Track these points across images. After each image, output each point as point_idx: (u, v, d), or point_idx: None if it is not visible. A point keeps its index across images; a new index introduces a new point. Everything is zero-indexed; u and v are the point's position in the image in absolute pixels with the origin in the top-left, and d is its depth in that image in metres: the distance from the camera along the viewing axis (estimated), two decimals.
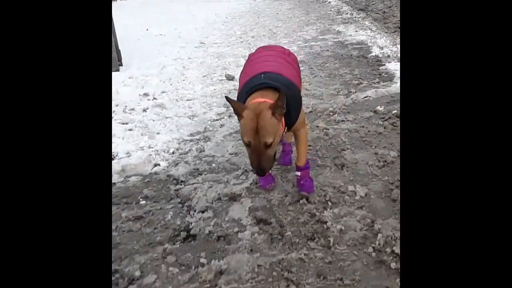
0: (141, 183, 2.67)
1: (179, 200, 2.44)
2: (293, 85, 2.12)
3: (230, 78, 4.98)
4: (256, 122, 1.83)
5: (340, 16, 10.06)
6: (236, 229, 2.12)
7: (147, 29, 9.13)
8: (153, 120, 3.65)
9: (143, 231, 2.18)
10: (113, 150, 3.08)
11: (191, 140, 3.29)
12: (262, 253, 1.94)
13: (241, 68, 2.46)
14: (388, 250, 1.89)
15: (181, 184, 2.61)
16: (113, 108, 3.87)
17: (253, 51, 2.65)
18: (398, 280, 1.72)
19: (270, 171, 2.21)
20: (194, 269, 1.87)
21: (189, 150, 3.10)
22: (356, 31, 7.77)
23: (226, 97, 1.94)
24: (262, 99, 1.95)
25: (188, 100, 4.25)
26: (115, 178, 2.72)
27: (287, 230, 2.07)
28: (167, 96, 4.34)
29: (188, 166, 2.84)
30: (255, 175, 2.52)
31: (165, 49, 6.95)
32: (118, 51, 6.00)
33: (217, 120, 3.71)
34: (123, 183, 2.68)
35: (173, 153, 3.06)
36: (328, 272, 1.80)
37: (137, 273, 1.87)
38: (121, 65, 6.00)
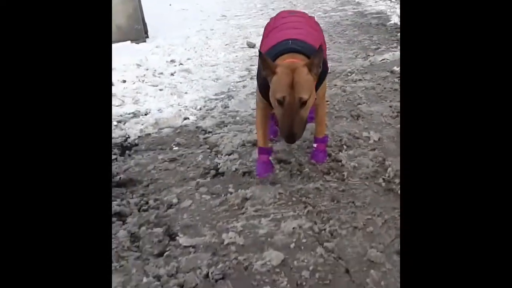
0: (173, 133, 2.95)
1: (207, 147, 2.70)
2: (321, 53, 2.01)
3: (251, 45, 5.18)
4: (292, 78, 1.75)
5: None
6: None
7: (170, 4, 9.35)
8: (181, 83, 3.91)
9: (177, 169, 2.46)
10: (146, 108, 3.36)
11: (216, 99, 3.54)
12: (282, 184, 2.19)
13: (261, 37, 2.54)
14: (397, 181, 2.11)
15: (208, 134, 2.88)
16: (144, 72, 4.15)
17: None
18: None
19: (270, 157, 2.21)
20: (224, 196, 2.14)
21: (215, 106, 3.35)
22: (376, 2, 7.79)
23: (260, 52, 1.86)
24: (294, 59, 1.89)
25: (212, 65, 4.48)
26: (149, 129, 3.01)
27: (305, 167, 2.31)
28: (192, 62, 4.59)
29: (214, 119, 3.10)
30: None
31: (188, 22, 7.17)
32: (144, 24, 6.25)
33: (239, 82, 3.94)
34: (157, 134, 2.96)
35: (200, 109, 3.31)
36: (342, 197, 2.03)
37: (175, 200, 2.15)
38: (147, 37, 6.26)
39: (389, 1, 7.63)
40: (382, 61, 4.16)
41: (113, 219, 2.03)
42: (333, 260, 1.65)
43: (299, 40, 2.01)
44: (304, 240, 1.77)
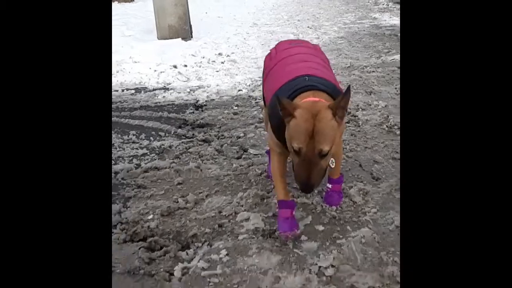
0: (231, 99, 3.95)
1: (259, 107, 3.69)
2: (339, 92, 1.73)
3: None
4: (313, 124, 1.49)
5: (376, 7, 11.06)
6: None
7: (206, 12, 10.48)
8: (230, 68, 4.94)
9: (240, 119, 3.45)
10: (208, 83, 4.38)
11: (260, 79, 4.54)
12: None
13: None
14: (396, 127, 3.05)
15: (259, 100, 3.87)
16: (200, 60, 5.20)
17: (289, 39, 3.41)
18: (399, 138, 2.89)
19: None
20: None
21: (261, 83, 4.35)
22: (390, 17, 8.81)
23: (277, 97, 1.56)
24: (316, 98, 1.62)
25: (252, 58, 5.50)
26: (213, 96, 4.01)
27: None
28: (236, 55, 5.62)
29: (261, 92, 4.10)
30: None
31: (225, 27, 8.25)
32: (190, 26, 7.34)
33: None
34: (219, 99, 3.96)
35: (249, 85, 4.32)
36: (357, 133, 2.99)
37: (242, 134, 3.13)
38: (192, 37, 7.34)
39: None
40: (392, 60, 5.14)
41: (200, 143, 3.01)
42: (351, 159, 2.61)
43: (315, 76, 1.74)
44: None
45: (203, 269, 1.74)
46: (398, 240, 1.83)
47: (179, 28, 7.04)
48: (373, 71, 4.62)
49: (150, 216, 2.12)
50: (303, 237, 1.88)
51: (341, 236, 1.89)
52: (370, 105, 3.56)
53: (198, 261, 1.78)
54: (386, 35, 6.89)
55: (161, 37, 6.87)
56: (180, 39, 6.68)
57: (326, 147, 1.51)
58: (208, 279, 1.68)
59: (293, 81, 1.74)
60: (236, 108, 3.71)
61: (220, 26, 8.46)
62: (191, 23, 7.46)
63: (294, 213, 1.92)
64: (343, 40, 6.58)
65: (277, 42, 6.36)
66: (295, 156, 1.56)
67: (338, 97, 1.56)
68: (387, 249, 1.80)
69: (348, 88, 1.54)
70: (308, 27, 8.13)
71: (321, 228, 1.95)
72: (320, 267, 1.70)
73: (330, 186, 2.11)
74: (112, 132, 3.18)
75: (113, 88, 4.31)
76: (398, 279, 1.61)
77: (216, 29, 7.98)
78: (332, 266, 1.69)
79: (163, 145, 2.96)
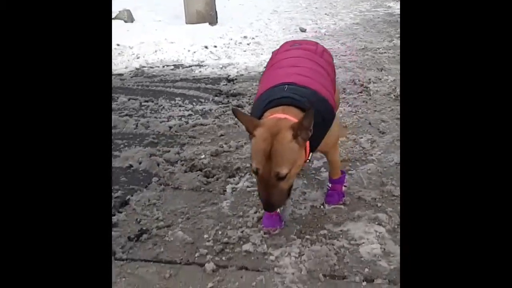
0: (259, 75, 4.50)
1: None
2: (324, 102, 1.69)
3: (303, 30, 6.73)
4: (270, 145, 1.44)
5: None
6: None
7: (228, 0, 11.02)
8: (255, 49, 5.50)
9: None
10: (237, 61, 4.95)
11: None
12: None
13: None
14: None
15: None
16: (228, 41, 5.77)
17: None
18: None
19: (279, 209, 1.79)
20: None
21: (263, 67, 4.90)
22: None
23: (233, 109, 1.58)
24: (283, 115, 1.56)
25: (275, 41, 6.04)
26: (242, 72, 4.58)
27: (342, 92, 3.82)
28: (260, 38, 6.18)
29: None
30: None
31: (247, 14, 8.78)
32: (216, 12, 7.90)
33: None
34: (248, 74, 4.53)
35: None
36: (368, 101, 3.54)
37: None
38: (217, 22, 7.90)
39: None
40: None
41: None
42: (362, 119, 3.16)
43: (298, 84, 1.66)
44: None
45: (247, 187, 2.33)
46: (397, 171, 2.39)
47: (206, 14, 7.59)
48: (384, 52, 5.13)
49: (202, 156, 2.71)
50: (322, 169, 2.45)
51: (352, 169, 2.46)
52: (381, 79, 4.09)
53: (244, 183, 2.37)
54: (398, 22, 7.35)
55: (189, 22, 7.44)
56: (207, 24, 7.25)
57: (284, 170, 1.44)
58: (252, 193, 2.27)
59: (271, 90, 1.67)
60: None
61: (242, 12, 8.99)
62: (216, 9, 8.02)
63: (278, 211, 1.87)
64: (358, 26, 7.07)
65: (297, 27, 6.90)
66: (255, 175, 1.51)
67: (301, 118, 1.45)
68: (387, 176, 2.36)
69: (310, 109, 1.42)
70: (325, 14, 8.60)
71: None
72: None
73: (329, 185, 2.08)
74: (161, 97, 3.78)
75: (154, 64, 4.92)
76: (394, 193, 2.17)
77: (238, 16, 8.52)
78: (344, 186, 2.25)
79: (204, 108, 3.55)
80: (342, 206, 2.09)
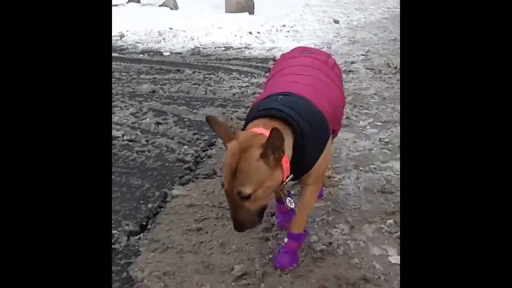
0: None
1: None
2: (320, 119, 1.51)
3: (336, 21, 7.27)
4: (237, 161, 1.31)
5: None
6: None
7: None
8: (295, 36, 6.06)
9: None
10: (280, 44, 5.52)
11: (321, 44, 5.65)
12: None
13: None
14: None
15: None
16: (270, 28, 6.35)
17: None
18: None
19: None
20: None
21: (323, 47, 5.46)
22: None
23: (207, 118, 1.42)
24: (261, 130, 1.39)
25: (311, 30, 6.61)
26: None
27: None
28: (297, 27, 6.75)
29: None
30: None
31: (281, 6, 9.35)
32: (253, 2, 8.47)
33: (335, 37, 6.06)
34: None
35: (313, 47, 5.44)
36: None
37: None
38: (254, 12, 8.48)
39: None
40: None
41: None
42: (397, 93, 3.70)
43: (295, 95, 1.51)
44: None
45: None
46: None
47: (245, 4, 8.18)
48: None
49: None
50: (368, 126, 3.00)
51: (391, 127, 3.01)
52: (388, 62, 4.62)
53: None
54: None
55: (229, 11, 8.04)
56: (246, 13, 7.83)
57: (247, 190, 1.29)
58: None
59: (265, 100, 1.53)
60: None
61: (275, 5, 9.56)
62: None
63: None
64: (387, 20, 7.58)
65: (330, 19, 7.45)
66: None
67: (268, 137, 1.27)
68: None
69: (274, 128, 1.24)
70: (355, 8, 9.12)
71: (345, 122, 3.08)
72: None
73: (285, 240, 1.67)
74: (220, 72, 4.37)
75: (207, 45, 5.53)
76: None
77: (272, 7, 9.09)
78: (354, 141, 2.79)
79: (259, 81, 4.12)
80: (387, 150, 2.65)
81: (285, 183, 1.41)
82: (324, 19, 7.68)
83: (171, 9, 7.98)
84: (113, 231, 1.87)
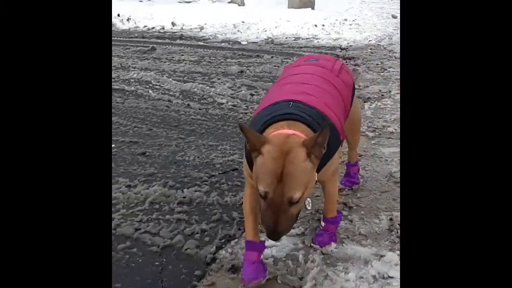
0: (365, 46, 5.60)
1: (387, 50, 5.31)
2: (332, 127, 1.45)
3: (394, 17, 7.72)
4: (282, 166, 1.23)
5: None
6: None
7: None
8: (357, 29, 6.60)
9: (376, 55, 5.10)
10: (345, 36, 6.08)
11: (382, 36, 6.16)
12: None
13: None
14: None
15: (386, 46, 5.48)
16: (334, 21, 6.93)
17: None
18: None
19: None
20: None
21: (383, 39, 5.97)
22: None
23: (240, 125, 1.30)
24: (290, 131, 1.34)
25: (372, 23, 7.12)
26: (351, 43, 5.69)
27: None
28: (358, 21, 7.30)
29: (386, 43, 5.70)
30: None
31: (338, 2, 9.86)
32: None
33: (394, 30, 6.54)
34: (356, 45, 5.63)
35: (375, 38, 5.96)
36: None
37: (378, 63, 4.77)
38: (314, 8, 9.06)
39: None
40: None
41: (352, 66, 4.71)
42: None
43: (304, 103, 1.47)
44: None
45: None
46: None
47: (307, 1, 8.78)
48: None
49: None
50: None
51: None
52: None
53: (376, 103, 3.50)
54: None
55: (291, 6, 8.67)
56: (309, 8, 8.43)
57: (297, 194, 1.25)
58: None
59: (275, 106, 1.47)
60: (370, 50, 5.38)
61: (334, 1, 10.09)
62: None
63: (262, 256, 1.56)
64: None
65: (388, 14, 7.90)
66: (261, 199, 1.29)
67: (316, 134, 1.26)
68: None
69: (326, 125, 1.26)
70: None
71: None
72: None
73: (323, 224, 1.71)
74: (294, 57, 5.00)
75: (278, 36, 6.20)
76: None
77: (331, 4, 9.62)
78: None
79: None
80: None
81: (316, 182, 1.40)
82: (382, 14, 8.14)
83: (239, 5, 8.72)
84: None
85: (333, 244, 1.70)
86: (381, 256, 1.64)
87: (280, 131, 1.34)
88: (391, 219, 1.87)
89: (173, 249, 1.70)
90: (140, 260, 1.64)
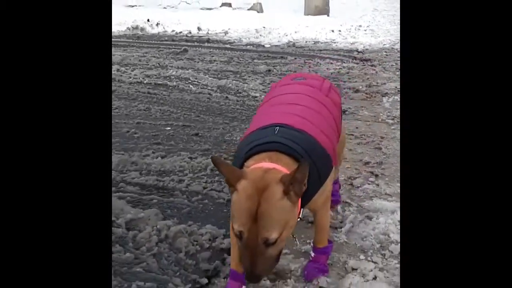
0: (380, 49, 6.03)
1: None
2: (322, 152, 1.39)
3: None
4: (257, 204, 1.15)
5: None
6: None
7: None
8: (372, 34, 7.04)
9: (390, 57, 5.52)
10: (361, 40, 6.52)
11: (396, 41, 6.58)
12: None
13: None
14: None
15: (399, 50, 5.91)
16: (349, 27, 7.38)
17: None
18: None
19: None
20: None
21: (397, 43, 6.39)
22: None
23: (213, 158, 1.23)
24: (270, 165, 1.25)
25: (385, 29, 7.56)
26: (367, 47, 6.12)
27: None
28: (372, 27, 7.74)
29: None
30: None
31: (351, 10, 10.33)
32: (329, 7, 9.53)
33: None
34: (372, 49, 6.06)
35: (389, 42, 6.39)
36: None
37: (393, 64, 5.20)
38: (329, 15, 9.53)
39: None
40: None
41: (370, 67, 5.13)
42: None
43: (291, 127, 1.37)
44: None
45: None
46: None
47: (322, 8, 9.26)
48: None
49: (360, 86, 4.30)
50: None
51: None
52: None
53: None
54: None
55: (307, 13, 9.15)
56: (324, 16, 8.91)
57: (274, 235, 1.15)
58: None
59: (259, 132, 1.39)
60: (385, 53, 5.81)
61: (346, 9, 10.57)
62: None
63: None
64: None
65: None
66: (238, 240, 1.20)
67: (294, 170, 1.17)
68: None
69: (304, 160, 1.19)
70: None
71: None
72: None
73: (312, 255, 1.58)
74: (315, 58, 5.46)
75: (298, 40, 6.66)
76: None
77: (344, 11, 10.10)
78: None
79: (349, 65, 5.15)
80: None
81: (299, 219, 1.30)
82: (394, 21, 8.58)
83: (258, 12, 9.23)
84: None
85: (323, 277, 1.52)
86: None
87: (260, 165, 1.25)
88: None
89: None
90: (212, 208, 2.07)
